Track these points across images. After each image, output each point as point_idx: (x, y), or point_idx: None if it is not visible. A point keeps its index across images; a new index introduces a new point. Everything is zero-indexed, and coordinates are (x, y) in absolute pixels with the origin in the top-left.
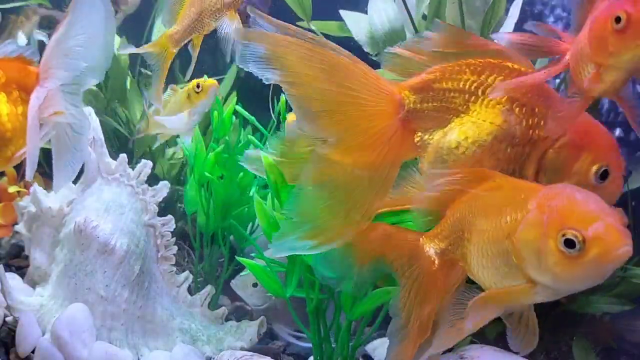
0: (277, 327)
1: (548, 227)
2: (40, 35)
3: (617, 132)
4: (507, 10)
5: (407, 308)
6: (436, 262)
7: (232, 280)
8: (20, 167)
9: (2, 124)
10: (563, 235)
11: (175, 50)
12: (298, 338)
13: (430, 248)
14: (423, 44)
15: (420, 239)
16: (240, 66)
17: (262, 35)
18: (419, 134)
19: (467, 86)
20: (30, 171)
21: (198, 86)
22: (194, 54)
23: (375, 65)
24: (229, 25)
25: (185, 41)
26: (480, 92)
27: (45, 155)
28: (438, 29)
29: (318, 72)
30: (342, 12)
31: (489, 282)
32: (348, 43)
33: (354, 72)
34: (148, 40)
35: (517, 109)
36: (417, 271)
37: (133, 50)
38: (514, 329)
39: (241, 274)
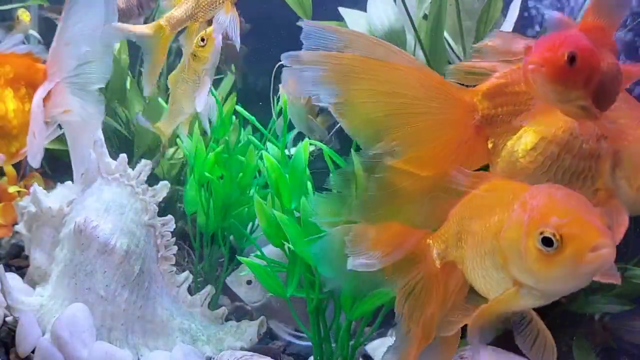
0: (274, 324)
1: (528, 226)
2: (36, 34)
3: None
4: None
5: (409, 311)
6: (437, 263)
7: (228, 277)
8: (20, 167)
9: (8, 120)
10: (541, 234)
11: (171, 35)
12: (296, 337)
13: (434, 249)
14: (485, 53)
15: (427, 239)
16: (302, 91)
17: (318, 57)
18: (492, 139)
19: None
20: (33, 160)
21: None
22: (187, 41)
23: None
24: (225, 17)
25: (182, 27)
26: None
27: (46, 155)
28: (492, 36)
29: (382, 86)
30: (342, 10)
31: (480, 284)
32: None
33: (422, 80)
34: None
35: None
36: (421, 272)
37: (127, 27)
38: (523, 336)
39: (241, 273)
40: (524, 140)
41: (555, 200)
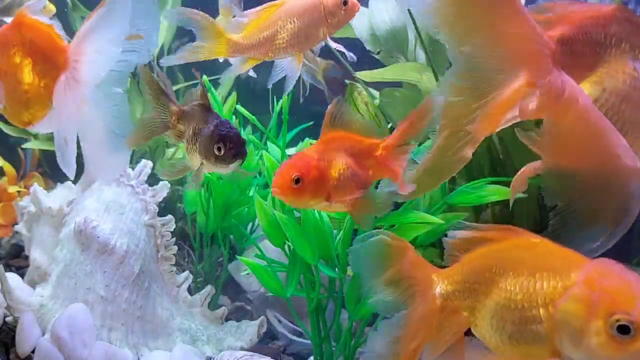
0: (271, 315)
1: (598, 308)
2: None
3: None
4: None
5: (398, 337)
6: (438, 302)
7: (229, 264)
8: (20, 167)
9: (22, 89)
10: (617, 321)
11: (226, 50)
12: (295, 333)
13: (438, 287)
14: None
15: (433, 274)
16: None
17: None
18: None
19: (596, 39)
20: (67, 169)
21: (345, 3)
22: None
23: (376, 64)
24: (291, 62)
25: (241, 55)
26: (608, 43)
27: (46, 156)
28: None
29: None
30: None
31: (501, 343)
32: (348, 40)
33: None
34: None
35: None
36: (419, 305)
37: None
38: None
39: (241, 273)
40: (586, 92)
41: (629, 284)
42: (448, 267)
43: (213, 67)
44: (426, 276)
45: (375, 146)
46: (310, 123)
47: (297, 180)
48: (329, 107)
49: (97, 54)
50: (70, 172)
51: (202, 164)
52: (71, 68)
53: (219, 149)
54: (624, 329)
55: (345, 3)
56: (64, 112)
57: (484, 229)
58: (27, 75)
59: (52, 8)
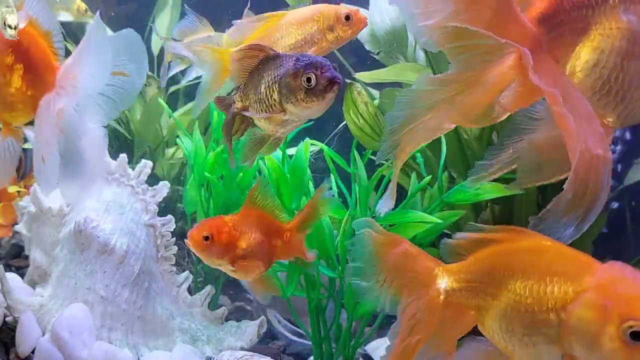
0: (271, 315)
1: (611, 314)
2: None
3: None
4: None
5: (400, 332)
6: (441, 297)
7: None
8: (20, 167)
9: (8, 91)
10: (630, 327)
11: (229, 69)
12: (295, 333)
13: (443, 282)
14: None
15: (437, 268)
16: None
17: None
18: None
19: (581, 1)
20: (46, 185)
21: (348, 18)
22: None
23: (377, 64)
24: None
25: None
26: (594, 2)
27: None
28: None
29: None
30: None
31: (510, 345)
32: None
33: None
34: (148, 41)
35: (633, 6)
36: (421, 299)
37: (181, 50)
38: None
39: None
40: (584, 59)
41: None
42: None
43: None
44: (427, 269)
45: (283, 229)
46: (310, 123)
47: (206, 238)
48: (252, 189)
49: (81, 85)
50: (48, 188)
51: (285, 116)
52: (56, 91)
53: (309, 79)
54: (637, 336)
55: (347, 18)
56: (44, 130)
57: (492, 230)
58: (17, 80)
59: (83, 6)
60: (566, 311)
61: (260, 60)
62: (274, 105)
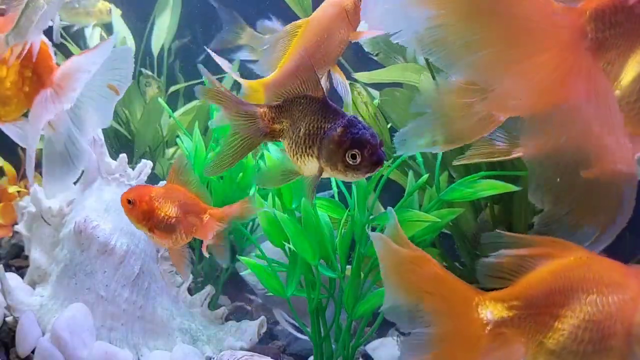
0: (277, 313)
1: None
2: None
3: None
4: None
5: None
6: (489, 329)
7: (236, 263)
8: (20, 167)
9: (4, 87)
10: None
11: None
12: (300, 331)
13: (488, 312)
14: None
15: (476, 297)
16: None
17: None
18: (606, 65)
19: None
20: (29, 171)
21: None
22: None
23: (376, 65)
24: (338, 80)
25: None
26: None
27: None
28: None
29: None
30: None
31: None
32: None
33: None
34: (149, 40)
35: None
36: (460, 331)
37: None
38: None
39: (241, 273)
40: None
41: None
42: (490, 288)
43: (214, 67)
44: (464, 297)
45: (203, 211)
46: None
47: (129, 202)
48: (174, 162)
49: (79, 86)
50: (30, 174)
51: (320, 171)
52: (53, 88)
53: (353, 156)
54: None
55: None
56: (37, 123)
57: (528, 243)
58: (13, 74)
59: (107, 5)
60: (629, 321)
61: (307, 96)
62: (310, 156)
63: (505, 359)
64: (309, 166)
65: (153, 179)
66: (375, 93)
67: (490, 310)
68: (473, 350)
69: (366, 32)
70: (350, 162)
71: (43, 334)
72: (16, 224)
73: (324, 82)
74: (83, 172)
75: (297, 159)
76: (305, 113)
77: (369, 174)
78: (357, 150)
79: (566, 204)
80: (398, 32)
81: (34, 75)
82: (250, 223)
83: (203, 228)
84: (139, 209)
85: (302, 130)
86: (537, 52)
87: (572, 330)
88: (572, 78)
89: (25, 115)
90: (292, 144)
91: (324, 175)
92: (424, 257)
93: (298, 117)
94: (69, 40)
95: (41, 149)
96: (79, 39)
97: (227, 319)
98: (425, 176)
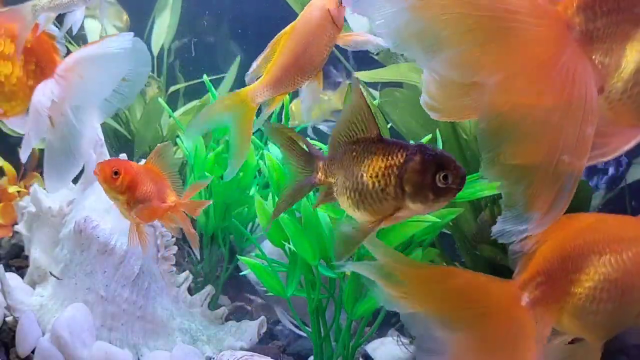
0: (279, 311)
1: None
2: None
3: None
4: None
5: None
6: (530, 313)
7: (239, 261)
8: (20, 167)
9: (9, 82)
10: None
11: (256, 106)
12: (298, 327)
13: (526, 297)
14: None
15: (511, 286)
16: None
17: None
18: (597, 57)
19: None
20: (24, 155)
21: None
22: (267, 110)
23: (376, 64)
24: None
25: (268, 98)
26: None
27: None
28: None
29: None
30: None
31: (598, 325)
32: None
33: None
34: (148, 40)
35: None
36: (509, 326)
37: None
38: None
39: (241, 273)
40: (635, 53)
41: None
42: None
43: (214, 67)
44: (509, 293)
45: (169, 196)
46: (309, 124)
47: (115, 173)
48: (157, 147)
49: (81, 79)
50: (24, 156)
51: (398, 212)
52: (55, 79)
53: (445, 177)
54: None
55: (340, 3)
56: (34, 111)
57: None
58: (18, 69)
59: (127, 17)
60: None
61: (360, 140)
62: (384, 200)
63: (541, 336)
64: (383, 208)
65: None
66: (375, 93)
67: (526, 294)
68: (524, 338)
69: (354, 36)
70: (442, 185)
71: (43, 334)
72: (16, 224)
73: (310, 88)
74: (83, 171)
75: (365, 207)
76: (358, 157)
77: (458, 192)
78: (446, 170)
79: (520, 184)
80: (380, 22)
81: (37, 68)
82: (251, 223)
83: (168, 215)
84: (122, 181)
85: (362, 175)
86: (520, 48)
87: (590, 292)
88: (555, 74)
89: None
90: (352, 194)
91: (401, 214)
92: (447, 271)
93: (354, 165)
94: (70, 40)
95: (40, 149)
96: (79, 39)
97: (227, 319)
98: None
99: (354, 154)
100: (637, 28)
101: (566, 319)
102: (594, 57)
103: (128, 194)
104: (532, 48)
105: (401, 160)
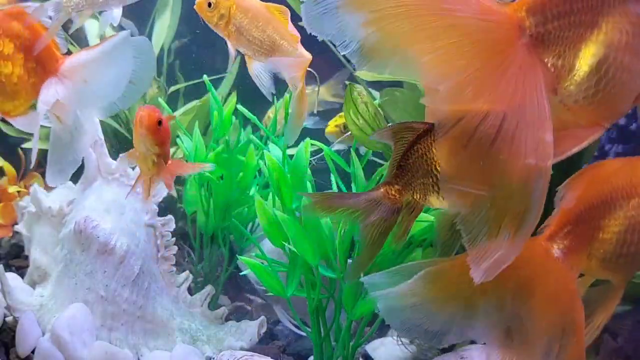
0: (279, 311)
1: None
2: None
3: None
4: None
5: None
6: (565, 262)
7: (239, 260)
8: (20, 167)
9: (10, 81)
10: None
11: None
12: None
13: (556, 250)
14: None
15: (543, 243)
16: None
17: None
18: (551, 61)
19: None
20: (33, 156)
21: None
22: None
23: None
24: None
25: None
26: None
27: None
28: None
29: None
30: None
31: (627, 266)
32: None
33: None
34: (149, 38)
35: None
36: (549, 281)
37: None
38: None
39: (241, 273)
40: (589, 55)
41: None
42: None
43: (214, 67)
44: (532, 253)
45: (168, 157)
46: (311, 123)
47: (159, 123)
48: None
49: (85, 77)
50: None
51: None
52: (59, 77)
53: None
54: None
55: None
56: (41, 108)
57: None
58: (19, 68)
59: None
60: None
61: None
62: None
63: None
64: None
65: None
66: (375, 93)
67: (556, 248)
68: (567, 289)
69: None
70: None
71: (43, 334)
72: (16, 224)
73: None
74: (83, 171)
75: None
76: (428, 159)
77: None
78: None
79: (481, 205)
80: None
81: (38, 65)
82: (251, 223)
83: (168, 170)
84: (164, 129)
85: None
86: (469, 52)
87: (620, 237)
88: (505, 80)
89: (33, 107)
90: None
91: None
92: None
93: (424, 168)
94: (70, 41)
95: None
96: (79, 39)
97: (227, 319)
98: None
99: (420, 153)
100: (590, 30)
101: (595, 263)
102: (546, 59)
103: (160, 147)
104: (482, 52)
105: None
